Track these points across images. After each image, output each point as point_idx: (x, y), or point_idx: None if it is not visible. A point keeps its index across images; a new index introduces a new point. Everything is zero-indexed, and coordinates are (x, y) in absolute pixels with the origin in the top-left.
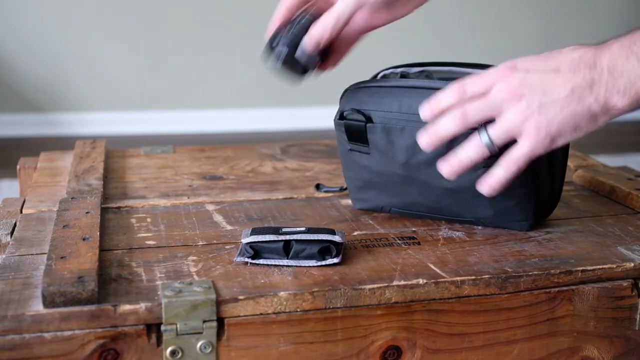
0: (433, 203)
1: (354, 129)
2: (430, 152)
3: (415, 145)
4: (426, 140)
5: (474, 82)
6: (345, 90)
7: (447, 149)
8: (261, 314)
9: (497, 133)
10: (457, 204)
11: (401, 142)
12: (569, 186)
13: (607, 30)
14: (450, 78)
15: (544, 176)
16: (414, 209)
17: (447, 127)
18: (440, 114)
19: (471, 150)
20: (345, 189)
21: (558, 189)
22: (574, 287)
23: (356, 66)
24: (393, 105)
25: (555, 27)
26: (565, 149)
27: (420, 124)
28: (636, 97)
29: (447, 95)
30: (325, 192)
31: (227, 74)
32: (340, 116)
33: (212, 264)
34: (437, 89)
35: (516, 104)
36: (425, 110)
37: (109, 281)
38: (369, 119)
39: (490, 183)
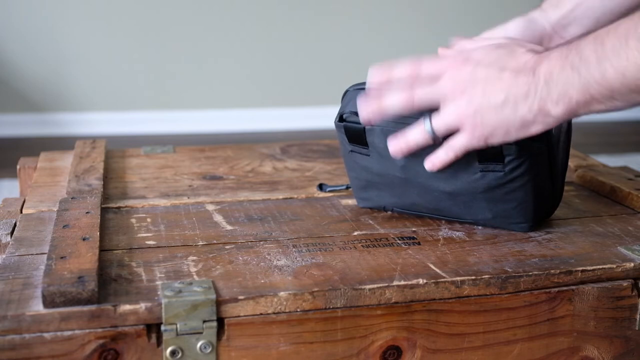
0: (432, 204)
1: (353, 132)
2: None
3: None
4: (369, 108)
5: (430, 63)
6: (346, 91)
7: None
8: (261, 314)
9: (438, 125)
10: (456, 206)
11: None
12: (569, 186)
13: None
14: None
15: (544, 179)
16: (415, 210)
17: (393, 102)
18: (389, 82)
19: (417, 135)
20: (349, 187)
21: (559, 190)
22: (574, 287)
23: (356, 66)
24: None
25: None
26: (566, 151)
27: None
28: (569, 105)
29: (403, 66)
30: (330, 191)
31: (227, 74)
32: (340, 118)
33: (212, 264)
34: None
35: (458, 100)
36: (376, 71)
37: (109, 281)
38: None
39: (432, 160)
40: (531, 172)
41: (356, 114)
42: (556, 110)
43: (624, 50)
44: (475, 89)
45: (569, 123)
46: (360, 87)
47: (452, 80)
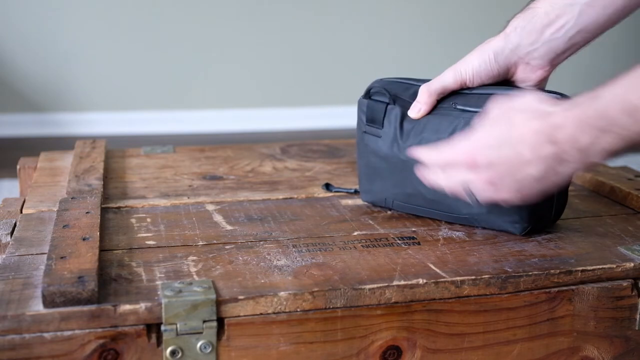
0: (431, 194)
1: (374, 109)
2: (431, 138)
3: (421, 131)
4: (423, 177)
5: (454, 156)
6: (376, 80)
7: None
8: (261, 314)
9: (483, 200)
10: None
11: (409, 127)
12: (569, 186)
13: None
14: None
15: None
16: (414, 202)
17: (439, 180)
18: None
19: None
20: (357, 191)
21: (562, 201)
22: (574, 287)
23: (355, 67)
24: None
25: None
26: None
27: (435, 116)
28: (610, 155)
29: (434, 158)
30: (336, 192)
31: (227, 74)
32: (367, 94)
33: (212, 264)
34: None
35: (495, 190)
36: (415, 153)
37: (109, 281)
38: (393, 101)
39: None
40: None
41: (386, 90)
42: (601, 161)
43: None
44: (505, 180)
45: None
46: (392, 80)
47: (477, 179)
